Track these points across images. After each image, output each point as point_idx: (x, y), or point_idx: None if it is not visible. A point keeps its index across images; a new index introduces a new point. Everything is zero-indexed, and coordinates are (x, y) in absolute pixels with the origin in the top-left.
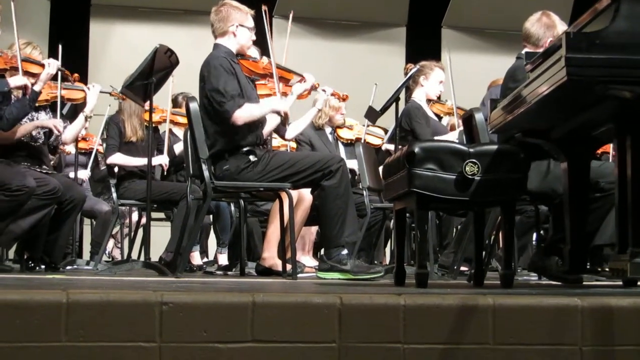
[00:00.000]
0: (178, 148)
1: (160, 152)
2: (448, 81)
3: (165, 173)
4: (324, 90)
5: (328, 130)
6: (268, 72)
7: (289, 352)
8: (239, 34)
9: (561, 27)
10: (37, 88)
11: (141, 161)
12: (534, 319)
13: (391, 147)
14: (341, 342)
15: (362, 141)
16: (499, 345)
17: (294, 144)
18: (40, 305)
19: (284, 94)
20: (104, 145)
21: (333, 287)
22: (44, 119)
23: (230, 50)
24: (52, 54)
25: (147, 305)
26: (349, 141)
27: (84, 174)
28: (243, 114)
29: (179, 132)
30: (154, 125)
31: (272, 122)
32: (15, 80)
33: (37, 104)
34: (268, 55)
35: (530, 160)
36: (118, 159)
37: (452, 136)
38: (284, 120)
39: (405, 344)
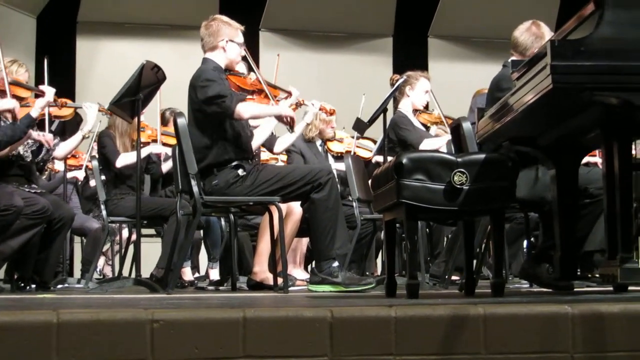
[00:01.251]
0: (167, 166)
1: (150, 171)
2: (434, 90)
3: (162, 160)
4: (312, 104)
5: (318, 142)
6: (256, 88)
7: None
8: (229, 49)
9: (550, 37)
10: (33, 114)
11: (145, 151)
12: (525, 328)
13: (380, 158)
14: (333, 356)
15: (352, 153)
16: (490, 354)
17: (284, 157)
18: (30, 326)
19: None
20: (103, 155)
21: (324, 300)
22: (34, 135)
23: (219, 65)
24: (39, 71)
25: (138, 323)
26: (339, 154)
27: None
28: (247, 108)
29: (168, 150)
30: (142, 145)
31: (261, 135)
32: (2, 104)
33: None
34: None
35: (519, 167)
36: (125, 159)
37: (440, 142)
38: (291, 125)
39: (397, 355)
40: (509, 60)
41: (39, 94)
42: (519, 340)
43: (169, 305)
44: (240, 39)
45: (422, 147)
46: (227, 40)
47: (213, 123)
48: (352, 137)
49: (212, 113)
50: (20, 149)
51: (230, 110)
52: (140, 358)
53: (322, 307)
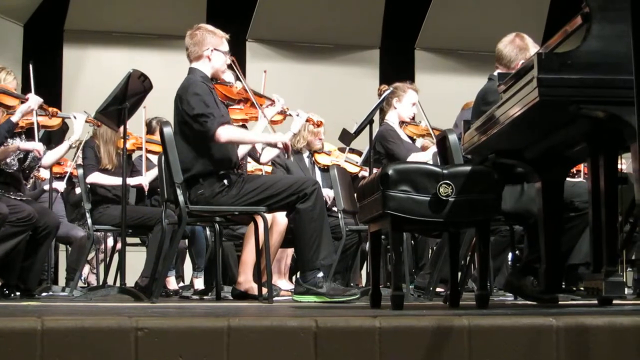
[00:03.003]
0: (152, 174)
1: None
2: (421, 102)
3: (145, 193)
4: (297, 114)
5: (305, 154)
6: (242, 97)
7: None
8: (214, 58)
9: (534, 49)
10: (14, 119)
11: (119, 180)
12: (509, 340)
13: (367, 173)
14: None
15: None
16: None
17: (269, 168)
18: (14, 333)
19: (255, 119)
20: (82, 166)
21: (309, 310)
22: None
23: (205, 74)
24: (26, 79)
25: (123, 331)
26: (326, 167)
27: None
28: (227, 132)
29: (153, 158)
30: (127, 152)
31: (247, 146)
32: None
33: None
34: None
35: (504, 182)
36: (97, 178)
37: (426, 155)
38: (287, 151)
39: None
40: (495, 73)
41: (24, 102)
42: (503, 352)
43: (154, 313)
44: (225, 47)
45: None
46: (212, 49)
47: (198, 136)
48: (341, 150)
49: (196, 129)
50: (7, 158)
51: (211, 132)
52: None
53: (306, 316)
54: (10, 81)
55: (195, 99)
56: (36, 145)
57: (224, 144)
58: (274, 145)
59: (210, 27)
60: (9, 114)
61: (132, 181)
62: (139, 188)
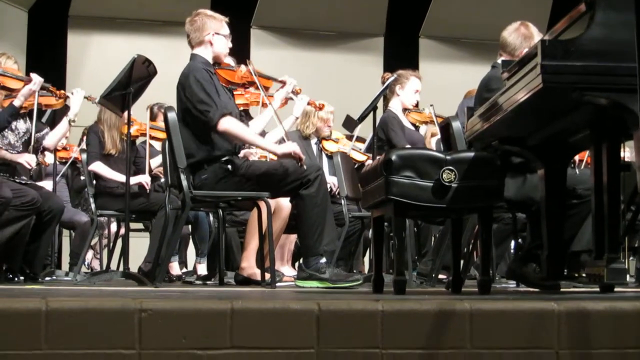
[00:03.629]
0: (156, 161)
1: (137, 165)
2: (425, 90)
3: (147, 192)
4: (301, 98)
5: (314, 141)
6: (246, 81)
7: (268, 358)
8: (216, 42)
9: (538, 37)
10: (16, 103)
11: (122, 177)
12: (510, 323)
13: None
14: (319, 348)
15: (347, 155)
16: (476, 349)
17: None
18: (19, 314)
19: (264, 105)
20: (85, 153)
21: (311, 294)
22: (22, 127)
23: (207, 60)
24: (30, 65)
25: (127, 312)
26: (333, 154)
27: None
28: (230, 126)
29: (157, 144)
30: (131, 138)
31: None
32: None
33: None
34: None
35: (507, 169)
36: (99, 168)
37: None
38: (300, 162)
39: (384, 349)
40: (499, 60)
41: (28, 82)
42: (505, 335)
43: (157, 296)
44: (226, 30)
45: None
46: (213, 33)
47: (201, 124)
48: (349, 138)
49: (197, 117)
50: (11, 138)
51: (212, 122)
52: (128, 347)
53: (309, 300)
54: (11, 66)
55: (197, 87)
56: (28, 158)
57: None
58: (287, 156)
59: (209, 12)
60: (12, 97)
61: (132, 180)
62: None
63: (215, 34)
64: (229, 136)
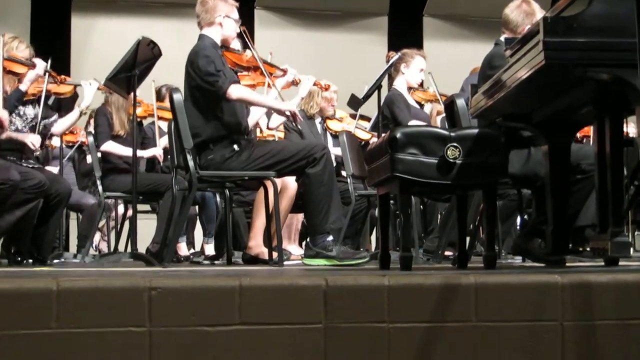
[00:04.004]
0: (163, 142)
1: (145, 146)
2: (429, 69)
3: (160, 164)
4: (308, 79)
5: (318, 120)
6: (251, 65)
7: (276, 334)
8: (225, 25)
9: (540, 15)
10: (22, 88)
11: (144, 153)
12: (515, 296)
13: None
14: (327, 323)
15: (351, 134)
16: (481, 322)
17: (281, 134)
18: (30, 293)
19: (269, 87)
20: (94, 134)
21: (319, 271)
22: (30, 112)
23: (214, 41)
24: (34, 49)
25: (136, 290)
26: (338, 133)
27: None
28: (238, 90)
29: (164, 125)
30: (138, 119)
31: (257, 112)
32: None
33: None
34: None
35: (511, 145)
36: (111, 147)
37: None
38: (295, 120)
39: (390, 323)
40: (502, 38)
41: (32, 68)
42: (509, 308)
43: (166, 275)
44: (236, 15)
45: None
46: (223, 15)
47: (209, 99)
48: (352, 117)
49: (206, 89)
50: (18, 124)
51: (222, 90)
52: (138, 325)
53: (316, 276)
54: (23, 50)
55: (206, 61)
56: (32, 138)
57: (234, 109)
58: (282, 113)
59: None
60: (20, 82)
61: (145, 153)
62: (148, 158)
63: (225, 16)
64: (241, 102)
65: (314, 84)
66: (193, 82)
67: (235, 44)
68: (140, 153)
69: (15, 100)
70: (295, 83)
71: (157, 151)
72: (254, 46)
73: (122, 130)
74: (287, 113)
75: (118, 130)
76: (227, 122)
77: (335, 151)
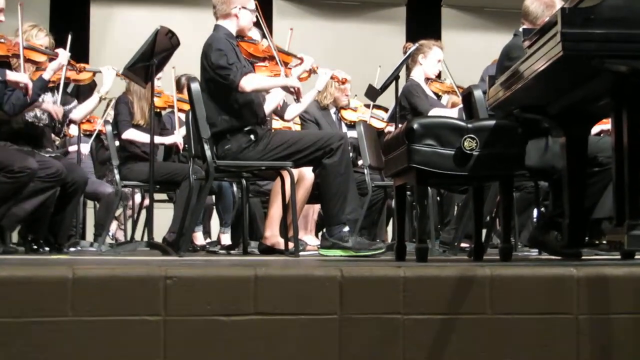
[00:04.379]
0: (182, 132)
1: (164, 135)
2: (447, 60)
3: (181, 151)
4: (325, 73)
5: (332, 110)
6: (267, 55)
7: (291, 324)
8: (241, 15)
9: (560, 6)
10: (46, 76)
11: (157, 140)
12: (530, 289)
13: (392, 128)
14: (342, 314)
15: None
16: (496, 314)
17: (297, 127)
18: (46, 281)
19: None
20: (116, 122)
21: (334, 262)
22: (49, 100)
23: (230, 32)
24: (53, 39)
25: (152, 279)
26: (353, 122)
27: (84, 149)
28: (251, 81)
29: (183, 116)
30: (157, 110)
31: (273, 101)
32: (16, 76)
33: None
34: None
35: (528, 137)
36: (134, 134)
37: (453, 113)
38: (297, 95)
39: (405, 314)
40: (520, 29)
41: (54, 58)
42: (525, 301)
43: (182, 264)
44: (252, 5)
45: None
46: (239, 7)
47: (223, 92)
48: (367, 107)
49: (220, 82)
50: (37, 112)
51: (235, 84)
52: (154, 313)
53: (332, 267)
54: (42, 38)
55: (217, 54)
56: (56, 108)
57: (250, 99)
58: (287, 90)
59: None
60: (38, 70)
61: (166, 140)
62: (168, 145)
63: (242, 7)
64: (255, 92)
65: (331, 78)
66: (207, 75)
67: (254, 34)
68: (160, 140)
69: (39, 89)
70: (313, 71)
71: (177, 138)
72: (271, 36)
73: (142, 120)
74: (292, 89)
75: (138, 120)
76: (243, 113)
77: (351, 134)
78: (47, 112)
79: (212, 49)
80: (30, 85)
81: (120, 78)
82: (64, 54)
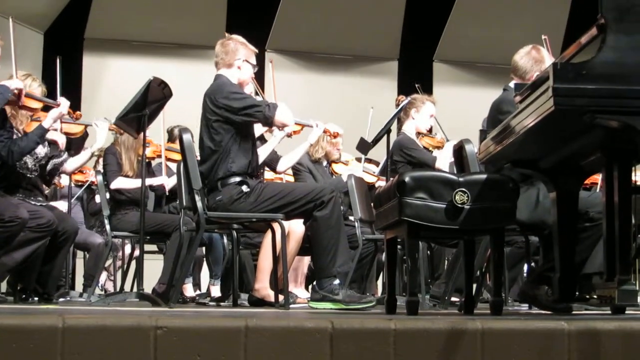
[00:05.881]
0: (172, 182)
1: (153, 188)
2: (438, 114)
3: (167, 193)
4: (316, 125)
5: (324, 164)
6: None
7: None
8: (244, 68)
9: (549, 62)
10: (45, 125)
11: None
12: (521, 342)
13: (383, 182)
14: None
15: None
16: None
17: (289, 178)
18: (36, 330)
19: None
20: (104, 173)
21: (325, 314)
22: (40, 151)
23: (231, 82)
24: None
25: (142, 329)
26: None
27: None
28: (285, 114)
29: (173, 166)
30: (147, 160)
31: (264, 153)
32: (10, 83)
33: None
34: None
35: (519, 183)
36: (122, 183)
37: (448, 150)
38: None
39: None
40: (510, 84)
41: (52, 106)
42: (516, 355)
43: (172, 315)
44: (254, 60)
45: (438, 165)
46: (243, 59)
47: (229, 135)
48: (358, 161)
49: (242, 122)
50: (29, 162)
51: (271, 119)
52: None
53: (322, 318)
54: (35, 88)
55: (237, 95)
56: (60, 137)
57: (247, 148)
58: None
59: (242, 39)
60: (33, 120)
61: (154, 181)
62: (158, 194)
63: (245, 60)
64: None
65: (324, 132)
66: (214, 117)
67: (249, 88)
68: (149, 181)
69: (38, 137)
70: (336, 136)
71: (164, 179)
72: (262, 92)
73: (130, 171)
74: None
75: (127, 171)
76: (238, 160)
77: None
78: (37, 164)
79: (225, 92)
80: (24, 90)
81: (110, 131)
82: (65, 104)
